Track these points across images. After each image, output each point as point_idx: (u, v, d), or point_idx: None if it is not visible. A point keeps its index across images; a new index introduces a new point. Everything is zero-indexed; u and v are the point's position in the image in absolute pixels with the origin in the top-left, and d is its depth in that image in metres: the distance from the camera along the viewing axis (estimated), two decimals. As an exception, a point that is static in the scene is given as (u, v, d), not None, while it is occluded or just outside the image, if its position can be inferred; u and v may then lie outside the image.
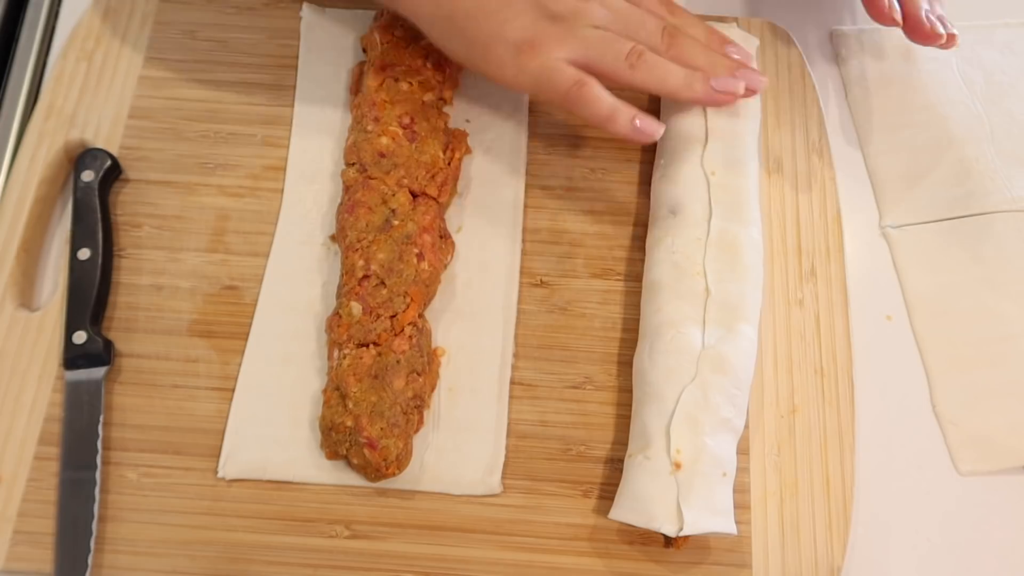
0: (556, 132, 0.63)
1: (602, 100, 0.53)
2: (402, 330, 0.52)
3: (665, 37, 0.56)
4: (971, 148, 0.63)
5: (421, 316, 0.54)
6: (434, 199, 0.57)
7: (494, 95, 0.63)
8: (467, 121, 0.62)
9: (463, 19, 0.54)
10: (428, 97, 0.59)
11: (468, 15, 0.54)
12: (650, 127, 0.54)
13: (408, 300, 0.53)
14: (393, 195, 0.55)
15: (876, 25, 0.68)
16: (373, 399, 0.50)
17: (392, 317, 0.52)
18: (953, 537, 0.53)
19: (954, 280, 0.59)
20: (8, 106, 0.63)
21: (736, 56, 0.57)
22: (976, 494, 0.54)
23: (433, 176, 0.57)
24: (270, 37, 0.65)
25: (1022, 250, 0.60)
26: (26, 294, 0.58)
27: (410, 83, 0.59)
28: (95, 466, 0.52)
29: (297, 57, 0.64)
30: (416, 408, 0.52)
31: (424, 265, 0.54)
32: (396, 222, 0.54)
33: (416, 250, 0.54)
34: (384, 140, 0.56)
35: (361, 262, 0.53)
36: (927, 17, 0.60)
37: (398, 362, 0.51)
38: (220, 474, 0.52)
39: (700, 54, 0.56)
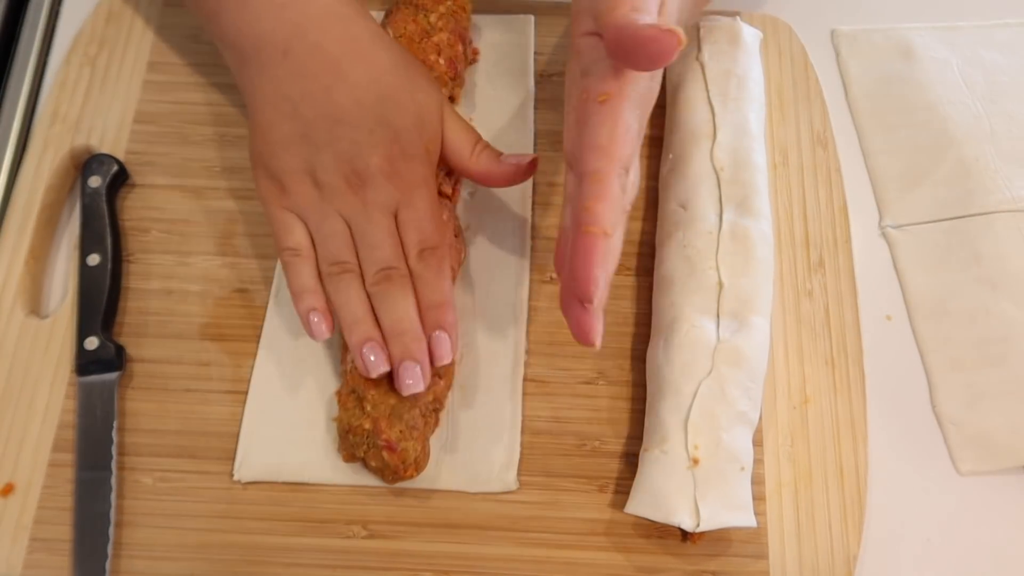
0: (561, 129, 0.63)
1: (299, 279, 0.52)
2: None
3: (380, 274, 0.51)
4: (971, 148, 0.64)
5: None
6: (448, 197, 0.57)
7: (499, 92, 0.63)
8: (471, 119, 0.62)
9: (259, 129, 0.54)
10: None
11: (258, 112, 0.54)
12: (318, 330, 0.52)
13: None
14: None
15: (876, 25, 0.68)
16: (392, 402, 0.50)
17: None
18: (953, 537, 0.53)
19: (954, 280, 0.60)
20: (8, 111, 0.63)
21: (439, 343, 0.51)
22: (976, 494, 0.54)
23: (448, 174, 0.57)
24: (273, 39, 0.65)
25: (1022, 250, 0.60)
26: (35, 301, 0.58)
27: None
28: (111, 471, 0.52)
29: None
30: (434, 411, 0.52)
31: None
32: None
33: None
34: None
35: None
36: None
37: None
38: (236, 477, 0.52)
39: (398, 320, 0.51)
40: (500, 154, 0.55)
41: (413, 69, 0.55)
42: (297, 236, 0.53)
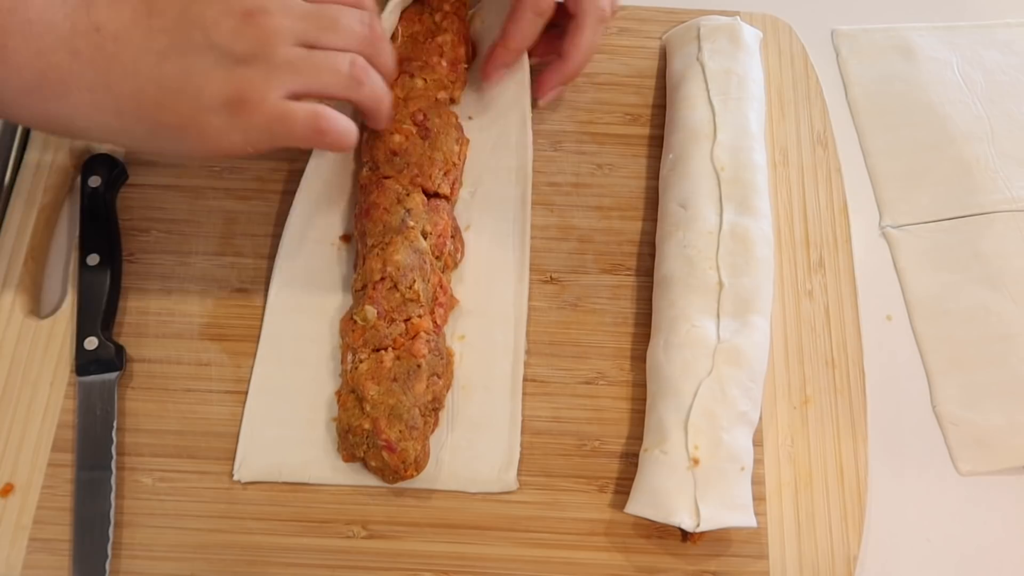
0: (561, 128, 0.64)
1: (340, 125, 0.49)
2: (417, 334, 0.52)
3: (363, 29, 0.50)
4: (971, 148, 0.64)
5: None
6: (446, 198, 0.57)
7: (496, 92, 0.63)
8: (469, 118, 0.62)
9: (155, 111, 0.47)
10: (441, 95, 0.59)
11: (157, 104, 0.47)
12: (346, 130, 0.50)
13: (426, 311, 0.53)
14: (408, 195, 0.55)
15: (876, 25, 0.68)
16: (391, 402, 0.50)
17: (407, 321, 0.52)
18: (953, 537, 0.53)
19: (954, 280, 0.60)
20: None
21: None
22: (976, 494, 0.54)
23: (446, 173, 0.57)
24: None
25: (1022, 250, 0.60)
26: (35, 301, 0.57)
27: (425, 80, 0.58)
28: (110, 471, 0.52)
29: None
30: (433, 410, 0.52)
31: (446, 276, 0.55)
32: (411, 223, 0.54)
33: (440, 264, 0.54)
34: (397, 138, 0.56)
35: (378, 265, 0.53)
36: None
37: (419, 366, 0.51)
38: (235, 477, 0.52)
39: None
40: None
41: None
42: (299, 109, 0.48)
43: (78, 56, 0.46)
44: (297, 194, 0.59)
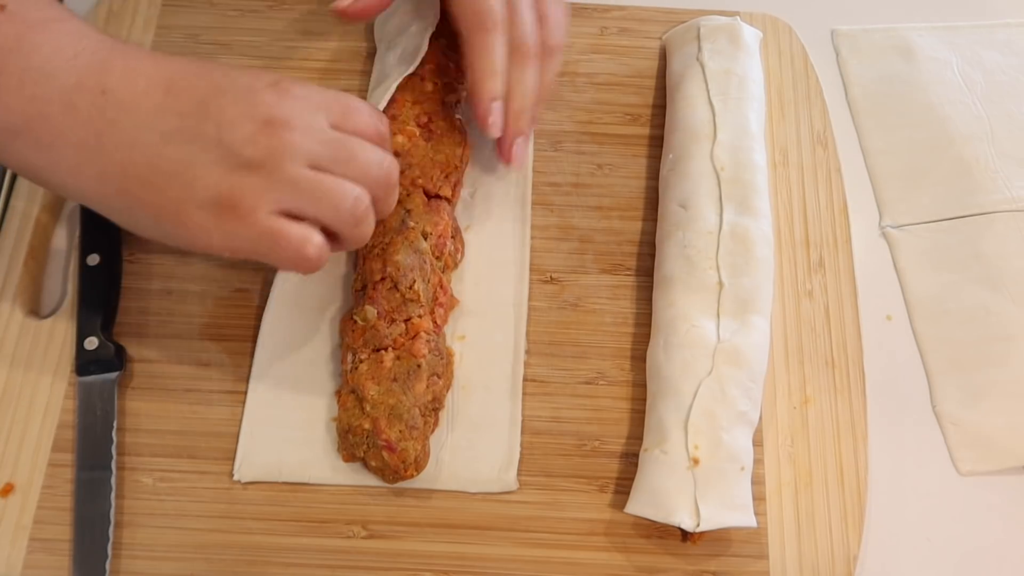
0: (561, 128, 0.64)
1: (323, 257, 0.47)
2: (417, 334, 0.52)
3: (379, 172, 0.48)
4: (971, 148, 0.64)
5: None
6: (447, 200, 0.57)
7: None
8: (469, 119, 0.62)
9: (139, 188, 0.45)
10: (449, 98, 0.59)
11: (144, 182, 0.45)
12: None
13: (426, 311, 0.53)
14: (408, 195, 0.55)
15: (876, 25, 0.68)
16: (391, 402, 0.50)
17: (407, 321, 0.52)
18: (953, 537, 0.53)
19: (954, 280, 0.60)
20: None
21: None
22: (976, 494, 0.54)
23: (447, 176, 0.57)
24: (273, 39, 0.65)
25: (1022, 250, 0.60)
26: (35, 301, 0.58)
27: (435, 83, 0.58)
28: (111, 470, 0.52)
29: (303, 59, 0.64)
30: (433, 410, 0.52)
31: (446, 276, 0.55)
32: (412, 223, 0.54)
33: (440, 264, 0.54)
34: (399, 139, 0.56)
35: (378, 265, 0.53)
36: (516, 142, 0.56)
37: (419, 366, 0.51)
38: (235, 477, 0.52)
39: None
40: None
41: None
42: (293, 231, 0.46)
43: (73, 112, 0.45)
44: None
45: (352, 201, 0.47)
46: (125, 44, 0.48)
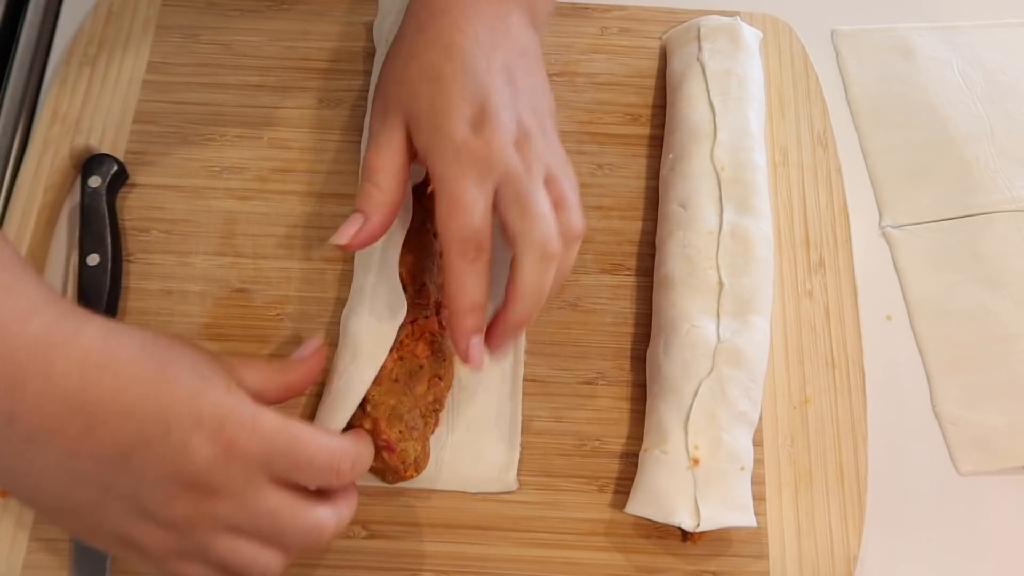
0: (561, 128, 0.63)
1: None
2: (422, 335, 0.52)
3: (312, 543, 0.44)
4: (971, 148, 0.64)
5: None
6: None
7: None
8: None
9: (50, 513, 0.45)
10: None
11: (54, 512, 0.43)
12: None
13: (432, 312, 0.52)
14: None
15: (877, 25, 0.68)
16: (392, 402, 0.50)
17: (412, 322, 0.52)
18: (953, 537, 0.53)
19: (954, 280, 0.60)
20: (7, 111, 0.63)
21: None
22: (976, 494, 0.54)
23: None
24: (273, 39, 0.65)
25: (1022, 250, 0.60)
26: (35, 301, 0.57)
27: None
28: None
29: (303, 59, 0.64)
30: (434, 411, 0.52)
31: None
32: (428, 225, 0.54)
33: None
34: None
35: None
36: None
37: (421, 368, 0.51)
38: (236, 477, 0.52)
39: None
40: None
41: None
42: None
43: None
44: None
45: (259, 572, 0.44)
46: (57, 336, 0.40)
